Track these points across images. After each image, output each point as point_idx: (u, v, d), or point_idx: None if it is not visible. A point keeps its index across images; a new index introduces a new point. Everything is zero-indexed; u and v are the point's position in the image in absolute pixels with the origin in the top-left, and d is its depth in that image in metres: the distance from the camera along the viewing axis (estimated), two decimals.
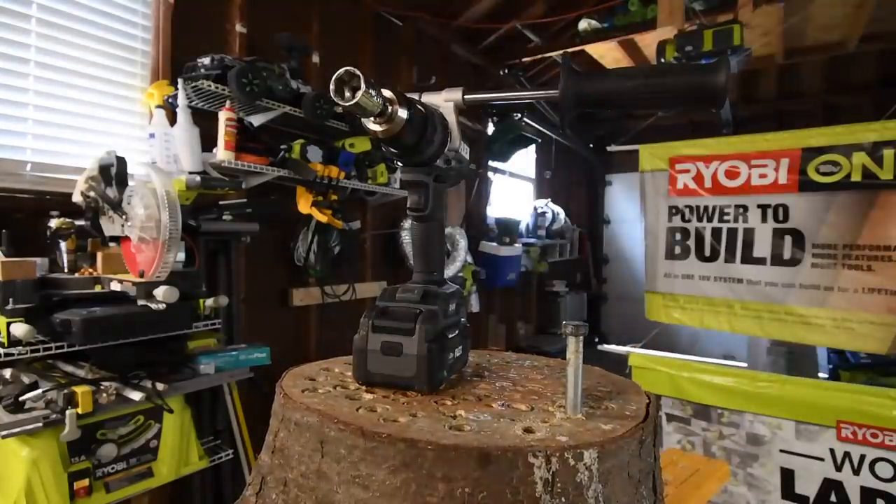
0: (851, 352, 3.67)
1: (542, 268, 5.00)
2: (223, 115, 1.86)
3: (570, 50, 3.70)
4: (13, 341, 1.25)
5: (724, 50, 2.60)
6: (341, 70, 0.42)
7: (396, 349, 0.53)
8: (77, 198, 1.46)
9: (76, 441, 1.28)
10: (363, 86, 0.42)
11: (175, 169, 1.76)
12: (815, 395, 1.91)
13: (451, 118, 0.56)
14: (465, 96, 0.56)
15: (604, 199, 6.58)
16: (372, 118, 0.46)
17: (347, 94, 0.42)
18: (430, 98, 0.56)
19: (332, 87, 0.43)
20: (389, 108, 0.46)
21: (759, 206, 2.54)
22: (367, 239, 2.92)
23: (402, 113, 0.47)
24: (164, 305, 1.35)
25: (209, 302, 1.67)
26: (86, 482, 1.30)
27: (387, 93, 0.46)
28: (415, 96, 0.54)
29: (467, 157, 0.60)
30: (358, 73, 0.42)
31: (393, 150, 0.52)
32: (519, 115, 4.09)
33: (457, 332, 0.59)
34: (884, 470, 1.75)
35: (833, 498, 1.82)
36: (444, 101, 0.57)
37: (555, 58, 3.96)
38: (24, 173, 1.62)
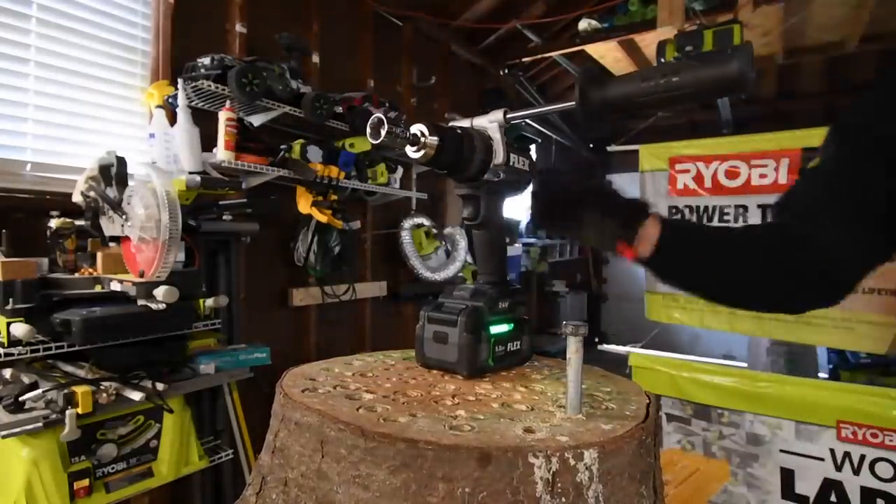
0: (851, 352, 3.67)
1: (542, 268, 4.99)
2: (223, 115, 1.86)
3: (569, 50, 3.70)
4: (13, 341, 1.25)
5: (724, 50, 2.60)
6: (374, 117, 0.53)
7: (444, 338, 0.62)
8: (77, 198, 1.46)
9: (76, 441, 1.28)
10: (387, 127, 0.53)
11: (175, 169, 1.76)
12: (815, 395, 1.90)
13: (497, 136, 0.63)
14: (507, 115, 0.63)
15: None
16: (408, 147, 0.56)
17: (383, 132, 0.53)
18: (479, 121, 0.64)
19: (368, 130, 0.54)
20: (421, 138, 0.56)
21: (759, 206, 2.54)
22: (367, 239, 2.92)
23: (433, 140, 0.56)
24: (164, 305, 1.35)
25: (209, 302, 1.67)
26: (86, 482, 1.30)
27: (418, 126, 0.56)
28: (466, 122, 0.64)
29: (525, 167, 0.66)
30: (384, 118, 0.53)
31: (437, 170, 0.60)
32: None
33: (509, 327, 0.66)
34: (884, 470, 1.75)
35: (833, 498, 1.82)
36: (489, 122, 0.63)
37: (555, 58, 3.96)
38: (24, 173, 1.62)
